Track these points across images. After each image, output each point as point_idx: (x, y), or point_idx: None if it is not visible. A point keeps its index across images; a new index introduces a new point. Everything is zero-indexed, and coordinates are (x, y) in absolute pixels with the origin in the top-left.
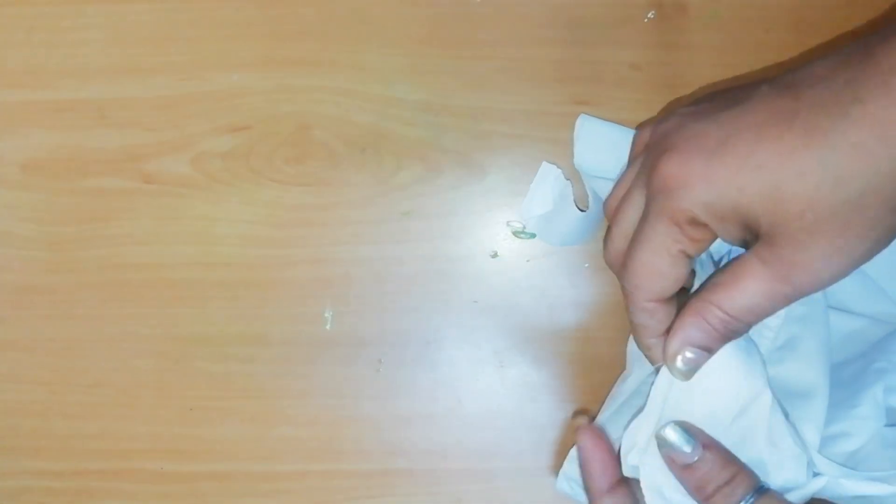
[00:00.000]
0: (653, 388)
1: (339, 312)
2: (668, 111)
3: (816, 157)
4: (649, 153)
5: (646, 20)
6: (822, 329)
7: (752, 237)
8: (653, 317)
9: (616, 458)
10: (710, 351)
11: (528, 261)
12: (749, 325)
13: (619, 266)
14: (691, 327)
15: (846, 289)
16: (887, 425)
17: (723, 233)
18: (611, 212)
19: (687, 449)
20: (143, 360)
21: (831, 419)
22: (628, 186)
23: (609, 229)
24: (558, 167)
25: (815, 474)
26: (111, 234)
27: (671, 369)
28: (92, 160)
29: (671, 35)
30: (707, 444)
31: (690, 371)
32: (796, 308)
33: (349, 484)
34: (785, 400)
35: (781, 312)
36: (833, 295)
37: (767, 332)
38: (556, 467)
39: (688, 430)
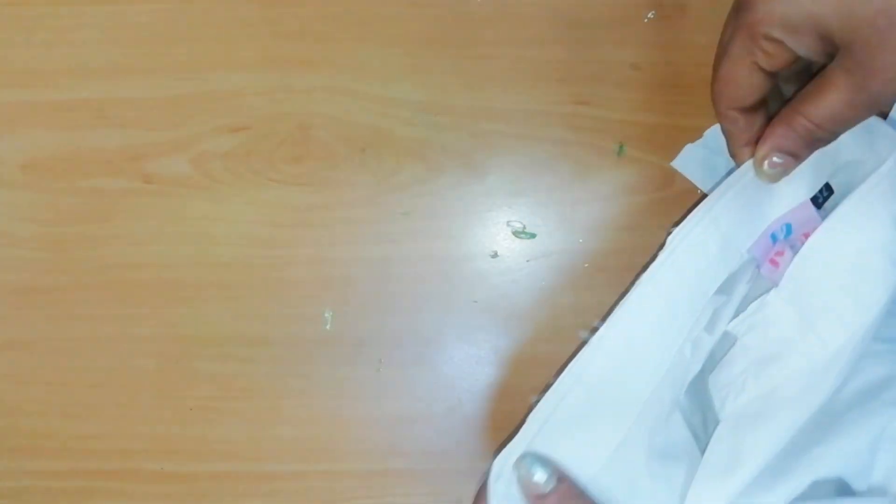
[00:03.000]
0: (529, 418)
1: (339, 312)
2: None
3: None
4: None
5: (646, 20)
6: (806, 410)
7: (830, 49)
8: (735, 124)
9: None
10: (796, 157)
11: (528, 261)
12: (834, 134)
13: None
14: (779, 136)
15: None
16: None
17: (798, 46)
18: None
19: (537, 479)
20: (143, 360)
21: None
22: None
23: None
24: None
25: None
26: (111, 234)
27: (759, 174)
28: (92, 160)
29: (671, 35)
30: (562, 477)
31: (777, 175)
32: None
33: (349, 484)
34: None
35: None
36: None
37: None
38: None
39: (543, 461)
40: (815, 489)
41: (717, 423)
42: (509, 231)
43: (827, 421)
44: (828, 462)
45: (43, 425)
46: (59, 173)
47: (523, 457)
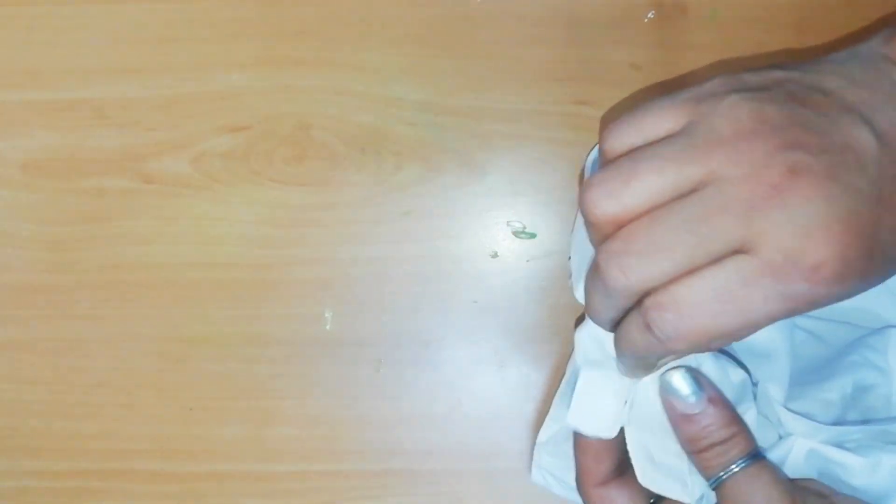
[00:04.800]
0: None
1: (339, 312)
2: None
3: None
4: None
5: (646, 20)
6: None
7: None
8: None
9: (612, 446)
10: None
11: (528, 261)
12: None
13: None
14: None
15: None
16: (860, 422)
17: None
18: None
19: (692, 399)
20: (143, 360)
21: (798, 396)
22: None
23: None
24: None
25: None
26: (111, 234)
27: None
28: (92, 160)
29: (671, 35)
30: (713, 397)
31: None
32: None
33: (349, 484)
34: (746, 359)
35: None
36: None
37: None
38: None
39: (696, 378)
40: (859, 398)
41: None
42: (509, 231)
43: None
44: (862, 370)
45: (43, 425)
46: (59, 173)
47: (673, 369)
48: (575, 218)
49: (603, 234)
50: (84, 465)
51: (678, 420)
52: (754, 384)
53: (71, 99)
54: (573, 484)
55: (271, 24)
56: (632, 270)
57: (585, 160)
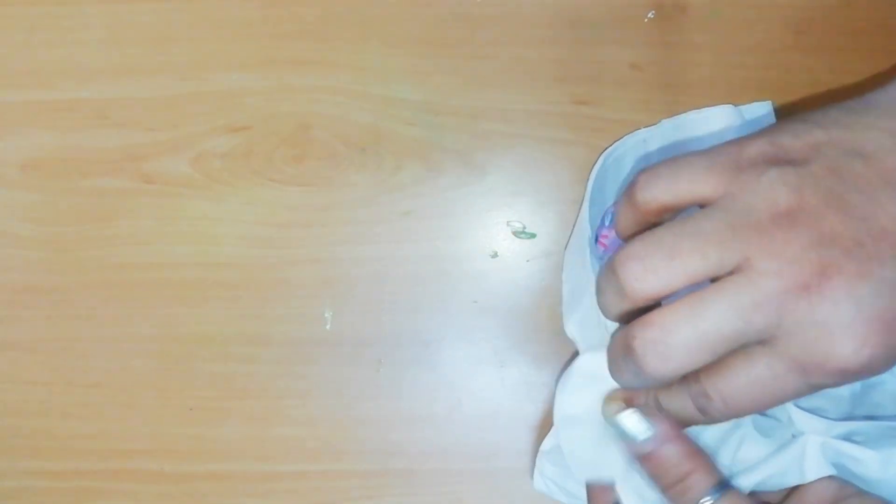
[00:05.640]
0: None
1: (339, 312)
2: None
3: None
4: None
5: (646, 20)
6: None
7: None
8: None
9: None
10: None
11: (528, 261)
12: None
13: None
14: None
15: None
16: (868, 417)
17: None
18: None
19: (644, 439)
20: (143, 360)
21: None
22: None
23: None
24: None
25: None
26: (111, 234)
27: None
28: (92, 160)
29: (671, 35)
30: (666, 435)
31: None
32: None
33: (349, 484)
34: None
35: None
36: None
37: None
38: None
39: (649, 418)
40: (866, 394)
41: None
42: (509, 231)
43: None
44: None
45: (43, 425)
46: (59, 173)
47: (623, 410)
48: (569, 239)
49: (634, 307)
50: (84, 465)
51: (635, 458)
52: None
53: (71, 99)
54: (576, 492)
55: (271, 24)
56: (672, 362)
57: (592, 170)
